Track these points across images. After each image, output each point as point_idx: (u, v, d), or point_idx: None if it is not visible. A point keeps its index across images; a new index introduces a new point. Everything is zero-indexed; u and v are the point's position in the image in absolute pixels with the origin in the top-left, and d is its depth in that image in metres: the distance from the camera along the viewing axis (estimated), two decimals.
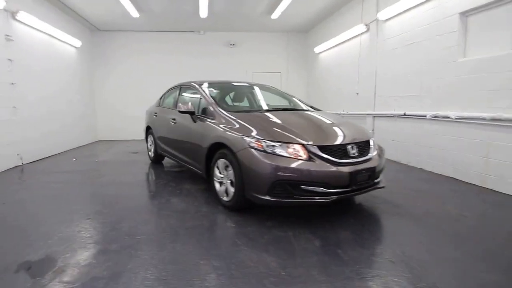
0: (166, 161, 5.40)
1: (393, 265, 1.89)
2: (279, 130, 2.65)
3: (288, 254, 2.04)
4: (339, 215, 2.77)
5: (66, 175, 4.41)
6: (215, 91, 3.71)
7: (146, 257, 1.98)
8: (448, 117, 4.26)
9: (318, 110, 3.80)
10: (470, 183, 3.87)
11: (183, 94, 4.31)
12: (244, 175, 2.56)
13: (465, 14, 4.01)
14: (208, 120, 3.23)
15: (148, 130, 5.30)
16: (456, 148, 4.17)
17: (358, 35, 6.54)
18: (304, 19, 8.01)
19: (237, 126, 2.83)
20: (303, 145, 2.48)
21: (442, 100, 4.40)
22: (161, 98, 5.14)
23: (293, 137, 2.55)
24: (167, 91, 4.99)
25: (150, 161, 5.38)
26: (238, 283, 1.69)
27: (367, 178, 2.60)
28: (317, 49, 8.50)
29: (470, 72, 3.94)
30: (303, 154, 2.45)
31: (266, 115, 3.12)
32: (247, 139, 2.59)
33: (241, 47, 9.18)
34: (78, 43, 7.35)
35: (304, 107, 3.85)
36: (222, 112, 3.15)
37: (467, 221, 2.64)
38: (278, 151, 2.45)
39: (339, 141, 2.64)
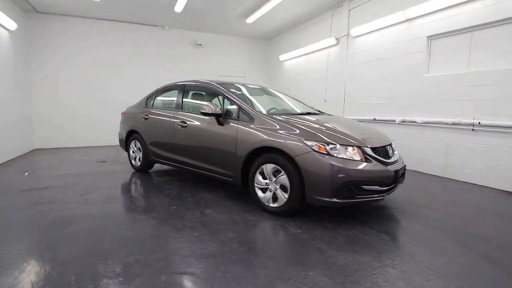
0: (155, 168, 4.89)
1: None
2: (333, 133, 2.73)
3: (376, 251, 2.16)
4: (361, 211, 3.03)
5: (45, 192, 3.57)
6: (238, 92, 3.56)
7: (250, 278, 1.81)
8: (414, 122, 5.05)
9: (330, 114, 4.01)
10: (433, 175, 4.76)
11: (191, 94, 4.01)
12: (305, 179, 2.56)
13: (430, 38, 4.83)
14: (243, 123, 3.09)
15: (131, 135, 4.69)
16: (420, 147, 4.99)
17: (327, 47, 7.11)
18: (271, 27, 8.27)
19: (293, 129, 2.79)
20: (359, 147, 2.64)
21: (409, 108, 5.18)
22: (148, 98, 4.63)
23: (349, 139, 2.68)
24: (158, 91, 4.53)
25: (133, 171, 4.76)
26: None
27: (401, 176, 2.91)
28: (282, 57, 8.86)
29: (434, 86, 4.77)
30: (359, 155, 2.60)
31: (306, 118, 3.15)
32: (309, 142, 2.60)
33: (208, 48, 8.89)
34: (12, 24, 5.75)
35: (320, 111, 3.99)
36: (265, 116, 3.05)
37: (431, 201, 3.27)
38: (341, 154, 2.55)
39: (381, 143, 2.89)
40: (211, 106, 3.23)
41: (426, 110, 4.89)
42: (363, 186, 2.55)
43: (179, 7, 6.55)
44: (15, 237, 2.33)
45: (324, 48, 7.24)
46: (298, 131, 2.74)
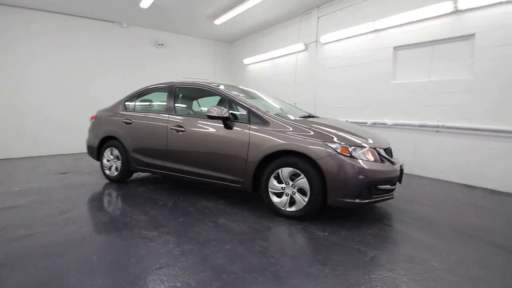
0: (133, 177, 4.40)
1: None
2: (349, 136, 2.80)
3: (408, 246, 2.28)
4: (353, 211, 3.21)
5: (11, 213, 2.91)
6: (241, 95, 3.42)
7: None
8: (385, 124, 5.52)
9: (326, 118, 4.09)
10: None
11: (186, 97, 3.73)
12: (328, 181, 2.58)
13: (396, 48, 5.34)
14: (256, 127, 2.98)
15: (106, 142, 4.15)
16: (391, 147, 5.46)
17: (296, 52, 7.34)
18: (237, 29, 8.21)
19: (310, 132, 2.78)
20: (374, 148, 2.76)
21: (379, 112, 5.64)
22: (127, 101, 4.16)
23: (366, 141, 2.78)
24: (139, 94, 4.11)
25: (106, 182, 4.20)
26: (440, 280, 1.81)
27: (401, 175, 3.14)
28: (246, 61, 8.86)
29: (400, 92, 5.28)
30: (375, 157, 2.72)
31: (316, 121, 3.17)
32: (333, 145, 2.62)
33: (171, 48, 8.40)
34: None
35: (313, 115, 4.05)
36: (279, 119, 2.98)
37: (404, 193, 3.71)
38: (362, 155, 2.63)
39: (386, 144, 3.09)
40: (219, 109, 3.05)
41: (395, 113, 5.38)
42: (379, 186, 2.67)
43: (145, 3, 6.07)
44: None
45: (292, 53, 7.45)
46: (313, 133, 2.75)
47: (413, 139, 5.15)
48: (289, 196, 2.81)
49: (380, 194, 2.71)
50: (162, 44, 8.08)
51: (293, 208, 2.80)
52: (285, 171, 2.79)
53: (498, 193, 3.93)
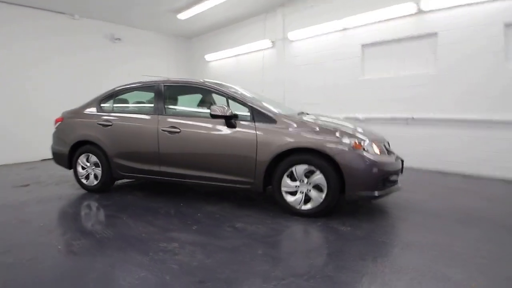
0: (116, 185, 3.92)
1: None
2: (356, 131, 2.87)
3: (436, 234, 2.43)
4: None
5: None
6: (239, 92, 3.25)
7: None
8: (357, 118, 5.83)
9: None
10: None
11: (177, 96, 3.45)
12: (347, 176, 2.59)
13: (363, 46, 5.65)
14: (262, 125, 2.87)
15: (79, 148, 3.63)
16: None
17: (263, 49, 7.31)
18: (199, 25, 7.88)
19: (317, 129, 2.77)
20: (381, 142, 2.88)
21: (350, 106, 5.92)
22: (102, 101, 3.69)
23: (370, 136, 2.87)
24: (118, 92, 3.68)
25: (83, 192, 3.68)
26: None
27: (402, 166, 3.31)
28: (208, 57, 8.58)
29: (370, 87, 5.63)
30: (383, 150, 2.84)
31: (319, 118, 3.19)
32: (347, 140, 2.65)
33: (128, 44, 7.68)
34: None
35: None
36: (286, 117, 2.92)
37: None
38: (374, 149, 2.72)
39: (385, 139, 3.24)
40: (222, 108, 2.87)
41: (366, 108, 5.69)
42: (389, 178, 2.79)
43: None
44: None
45: (259, 50, 7.41)
46: (323, 130, 2.76)
47: (385, 131, 5.47)
48: (303, 194, 2.78)
49: (390, 186, 2.83)
50: (119, 39, 7.36)
51: (308, 206, 2.77)
52: (300, 169, 2.74)
53: (469, 176, 4.38)
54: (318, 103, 6.36)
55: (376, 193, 2.64)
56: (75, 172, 3.71)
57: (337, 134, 2.71)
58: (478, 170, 4.46)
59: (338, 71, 6.01)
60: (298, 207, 2.79)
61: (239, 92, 3.22)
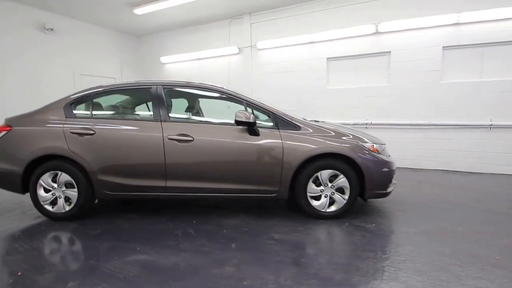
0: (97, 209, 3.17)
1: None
2: (367, 135, 3.07)
3: (443, 221, 2.74)
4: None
5: None
6: (252, 98, 3.09)
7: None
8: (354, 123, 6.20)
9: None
10: None
11: (182, 100, 3.08)
12: (367, 178, 2.74)
13: (329, 59, 6.14)
14: (287, 132, 2.80)
15: (40, 165, 2.84)
16: None
17: (228, 55, 7.19)
18: (156, 24, 7.25)
19: (339, 135, 2.86)
20: (384, 145, 3.15)
21: (316, 113, 6.29)
22: (73, 104, 2.99)
23: (379, 141, 3.11)
24: (97, 93, 3.04)
25: (44, 221, 2.88)
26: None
27: None
28: (164, 59, 7.97)
29: (334, 96, 6.13)
30: (387, 152, 3.11)
31: (324, 122, 3.29)
32: (366, 145, 2.80)
33: (64, 36, 6.45)
34: None
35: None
36: (308, 123, 2.92)
37: None
38: (385, 151, 2.96)
39: None
40: (247, 114, 2.69)
41: (331, 115, 6.13)
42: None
43: None
44: None
45: (223, 55, 7.26)
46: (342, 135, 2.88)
47: None
48: (328, 197, 2.81)
49: (393, 183, 3.11)
50: (51, 29, 6.12)
51: (332, 208, 2.82)
52: (325, 174, 2.77)
53: (416, 170, 5.20)
54: (288, 109, 6.44)
55: (388, 190, 2.87)
56: (34, 197, 2.87)
57: (360, 139, 2.86)
58: (421, 164, 5.38)
59: (306, 80, 6.33)
60: (323, 210, 2.82)
61: (253, 99, 3.06)
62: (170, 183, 2.81)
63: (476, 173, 4.86)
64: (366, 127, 5.80)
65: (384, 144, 3.07)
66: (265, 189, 2.80)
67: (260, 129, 2.80)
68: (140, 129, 2.84)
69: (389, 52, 5.52)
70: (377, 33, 5.54)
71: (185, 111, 3.42)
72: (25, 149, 2.83)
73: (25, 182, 2.88)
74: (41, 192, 2.86)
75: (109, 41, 7.53)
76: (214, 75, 7.48)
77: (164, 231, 2.60)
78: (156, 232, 2.60)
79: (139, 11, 6.12)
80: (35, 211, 2.98)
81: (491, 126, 4.81)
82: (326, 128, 2.92)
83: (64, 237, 2.58)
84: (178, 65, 7.99)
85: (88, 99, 3.01)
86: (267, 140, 2.77)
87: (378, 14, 5.47)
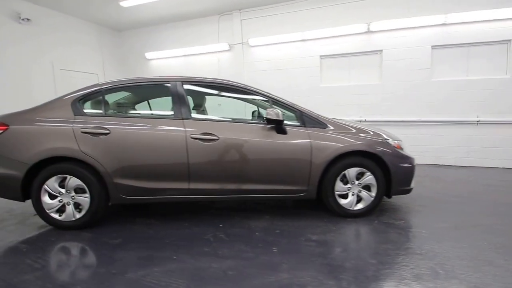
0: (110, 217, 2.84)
1: None
2: (383, 132, 3.06)
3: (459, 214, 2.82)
4: None
5: None
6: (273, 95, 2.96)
7: None
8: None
9: None
10: None
11: (200, 96, 2.84)
12: (393, 174, 2.74)
13: (322, 57, 6.15)
14: (314, 130, 2.72)
15: (45, 168, 2.49)
16: None
17: (218, 51, 6.93)
18: (140, 17, 6.78)
19: (364, 132, 2.83)
20: None
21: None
22: (81, 101, 2.66)
23: (396, 137, 3.13)
24: (109, 89, 2.74)
25: (49, 230, 2.55)
26: None
27: None
28: (149, 55, 7.51)
29: (327, 94, 6.16)
30: None
31: (343, 121, 3.25)
32: (391, 142, 2.80)
33: (42, 28, 5.79)
34: None
35: None
36: (333, 121, 2.85)
37: None
38: (404, 148, 2.98)
39: None
40: (277, 112, 2.55)
41: (324, 112, 6.14)
42: None
43: None
44: None
45: (213, 52, 7.00)
46: (367, 132, 2.85)
47: None
48: (355, 195, 2.78)
49: None
50: (28, 19, 5.47)
51: (360, 206, 2.79)
52: (352, 171, 2.73)
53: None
54: None
55: (411, 186, 2.90)
56: (37, 204, 2.52)
57: (381, 136, 2.84)
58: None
59: (299, 78, 6.28)
60: (351, 208, 2.78)
61: (277, 96, 2.95)
62: (194, 185, 2.61)
63: (465, 167, 5.12)
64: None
65: (401, 141, 3.09)
66: (293, 189, 2.70)
67: (286, 128, 2.69)
68: (160, 128, 2.59)
69: (381, 50, 5.63)
70: (369, 32, 5.61)
71: (196, 108, 3.19)
72: (26, 150, 2.48)
73: (25, 188, 2.53)
74: (46, 199, 2.52)
75: (90, 35, 6.92)
76: (204, 72, 7.18)
77: (193, 237, 2.40)
78: (185, 238, 2.39)
79: (125, 3, 5.67)
80: (33, 220, 2.66)
81: (478, 122, 5.08)
82: (349, 126, 2.88)
83: (82, 248, 2.28)
84: (164, 62, 7.58)
85: (98, 95, 2.70)
86: (295, 138, 2.67)
87: (370, 13, 5.55)
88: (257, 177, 2.65)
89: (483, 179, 4.28)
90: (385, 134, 2.94)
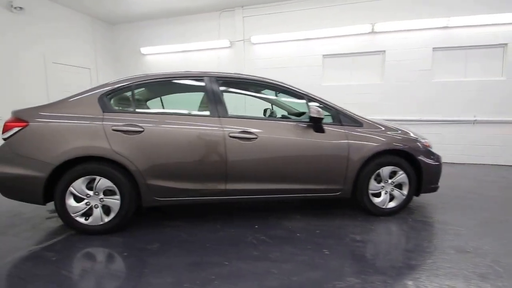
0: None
1: None
2: (410, 130, 3.05)
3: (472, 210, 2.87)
4: None
5: None
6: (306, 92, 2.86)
7: None
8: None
9: None
10: None
11: (234, 93, 2.68)
12: (425, 173, 2.74)
13: (324, 56, 6.12)
14: (351, 128, 2.66)
15: (70, 168, 2.25)
16: None
17: (218, 48, 6.72)
18: (137, 11, 6.41)
19: (397, 131, 2.81)
20: None
21: None
22: (108, 96, 2.42)
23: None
24: (139, 84, 2.51)
25: (72, 235, 2.30)
26: None
27: None
28: (145, 50, 7.15)
29: (328, 92, 6.09)
30: None
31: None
32: (423, 141, 2.80)
33: (35, 18, 5.30)
34: None
35: None
36: (367, 119, 2.80)
37: None
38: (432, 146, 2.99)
39: None
40: (319, 111, 2.46)
41: None
42: None
43: None
44: None
45: (212, 48, 6.78)
46: (400, 132, 2.83)
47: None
48: (388, 194, 2.75)
49: None
50: (20, 8, 4.98)
51: (392, 204, 2.77)
52: (386, 170, 2.70)
53: None
54: None
55: (439, 184, 2.91)
56: (62, 208, 2.26)
57: (410, 134, 2.83)
58: None
59: (300, 76, 6.21)
60: (384, 207, 2.75)
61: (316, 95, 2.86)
62: (231, 186, 2.46)
63: (460, 164, 5.30)
64: None
65: (427, 139, 3.10)
66: (330, 188, 2.62)
67: (331, 125, 2.63)
68: (196, 126, 2.42)
69: (384, 51, 5.69)
70: (372, 32, 5.65)
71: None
72: (50, 149, 2.22)
73: (48, 191, 2.27)
74: (71, 202, 2.27)
75: (83, 28, 6.44)
76: (202, 68, 6.92)
77: (233, 240, 2.26)
78: (225, 241, 2.24)
79: None
80: (47, 224, 2.43)
81: (474, 122, 5.26)
82: (379, 124, 2.84)
83: (121, 255, 2.06)
84: (161, 57, 7.23)
85: (127, 90, 2.47)
86: (333, 137, 2.59)
87: (373, 14, 5.59)
88: (295, 176, 2.55)
89: (482, 175, 4.44)
90: (411, 132, 2.93)
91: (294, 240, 2.25)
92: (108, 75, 7.05)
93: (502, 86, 5.07)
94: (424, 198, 3.28)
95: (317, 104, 2.72)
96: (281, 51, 6.30)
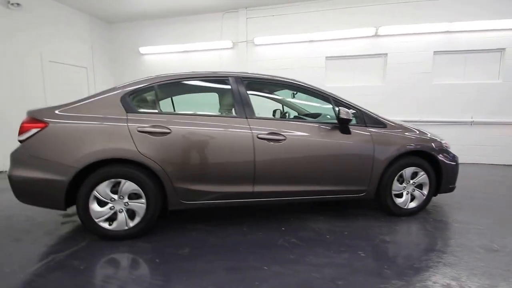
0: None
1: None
2: (427, 131, 3.08)
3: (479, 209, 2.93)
4: None
5: None
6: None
7: None
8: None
9: None
10: None
11: (258, 93, 2.63)
12: (444, 173, 2.77)
13: (327, 58, 6.13)
14: (375, 130, 2.65)
15: (94, 171, 2.12)
16: None
17: (220, 49, 6.62)
18: (136, 9, 6.22)
19: (418, 132, 2.82)
20: None
21: None
22: (132, 95, 2.31)
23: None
24: (163, 84, 2.41)
25: (95, 241, 2.18)
26: None
27: None
28: (144, 50, 6.96)
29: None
30: None
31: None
32: (443, 142, 2.82)
33: (32, 14, 5.04)
34: None
35: None
36: (390, 120, 2.80)
37: None
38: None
39: None
40: (348, 112, 2.43)
41: None
42: None
43: None
44: None
45: (214, 49, 6.68)
46: (421, 133, 2.84)
47: None
48: (409, 194, 2.76)
49: None
50: (18, 4, 4.73)
51: (413, 205, 2.78)
52: (409, 171, 2.71)
53: None
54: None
55: (456, 184, 2.95)
56: (84, 213, 2.14)
57: (427, 135, 2.85)
58: None
59: (303, 78, 6.09)
60: (405, 207, 2.76)
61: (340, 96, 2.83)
62: (258, 188, 2.39)
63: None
64: None
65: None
66: (355, 189, 2.61)
67: (356, 127, 2.62)
68: (224, 127, 2.34)
69: (386, 54, 5.76)
70: (376, 35, 5.71)
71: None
72: (73, 152, 2.09)
73: (70, 195, 2.14)
74: (94, 207, 2.15)
75: (81, 26, 6.20)
76: (204, 69, 6.83)
77: (264, 243, 2.21)
78: (256, 244, 2.18)
79: None
80: (63, 230, 2.33)
81: (472, 123, 5.39)
82: (401, 125, 2.84)
83: (154, 262, 1.95)
84: (160, 57, 7.06)
85: (150, 90, 2.36)
86: (359, 138, 2.58)
87: (376, 18, 5.65)
88: (323, 178, 2.52)
89: (483, 175, 4.55)
90: (429, 133, 2.94)
91: (324, 242, 2.21)
92: (105, 75, 6.84)
93: (499, 89, 5.23)
94: (436, 198, 3.31)
95: (342, 105, 2.69)
96: (284, 53, 6.28)
